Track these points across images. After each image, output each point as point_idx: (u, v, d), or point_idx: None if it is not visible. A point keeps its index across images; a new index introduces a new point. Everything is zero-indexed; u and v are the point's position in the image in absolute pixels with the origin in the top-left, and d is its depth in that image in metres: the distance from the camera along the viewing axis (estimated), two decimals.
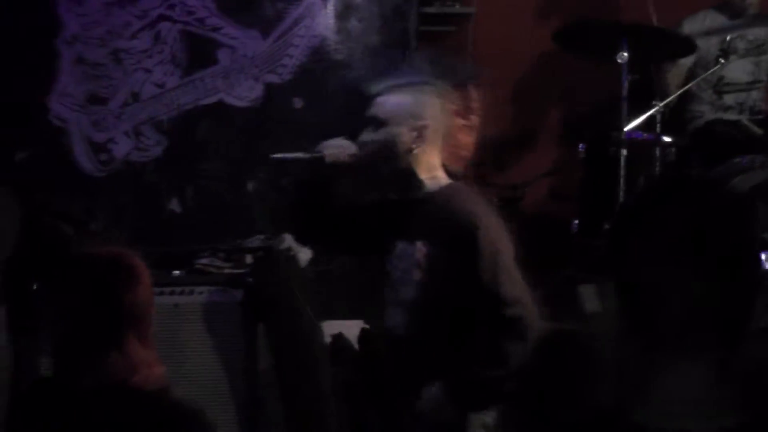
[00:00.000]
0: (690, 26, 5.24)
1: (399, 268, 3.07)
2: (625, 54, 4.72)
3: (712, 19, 5.27)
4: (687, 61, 5.16)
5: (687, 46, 4.90)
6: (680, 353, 1.42)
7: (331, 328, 4.02)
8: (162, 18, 4.95)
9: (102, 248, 2.50)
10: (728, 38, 5.22)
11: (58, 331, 2.31)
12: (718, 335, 1.43)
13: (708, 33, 5.25)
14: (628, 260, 1.49)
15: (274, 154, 3.86)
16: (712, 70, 5.01)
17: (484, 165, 4.77)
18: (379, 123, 3.19)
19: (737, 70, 5.26)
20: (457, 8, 5.59)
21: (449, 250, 2.96)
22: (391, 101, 3.20)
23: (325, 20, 5.07)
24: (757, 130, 5.00)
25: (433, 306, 2.96)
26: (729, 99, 5.29)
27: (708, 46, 5.17)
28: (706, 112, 5.21)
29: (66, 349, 2.26)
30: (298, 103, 5.08)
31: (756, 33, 5.29)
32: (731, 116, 5.20)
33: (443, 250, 2.98)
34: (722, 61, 5.00)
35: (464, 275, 2.85)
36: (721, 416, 1.40)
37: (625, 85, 4.84)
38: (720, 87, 5.25)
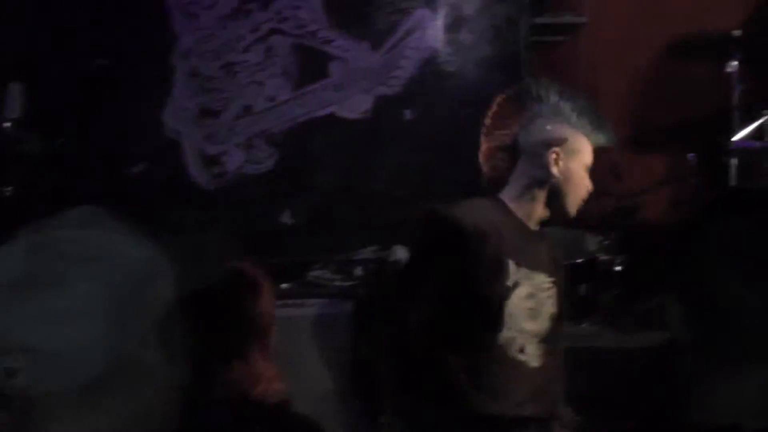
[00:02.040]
0: None
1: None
2: (736, 63, 4.69)
3: None
4: None
5: None
6: (743, 362, 1.49)
7: None
8: (274, 31, 5.09)
9: (229, 261, 2.54)
10: None
11: (189, 344, 2.39)
12: None
13: None
14: (697, 276, 1.54)
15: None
16: None
17: (599, 173, 4.78)
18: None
19: None
20: (569, 18, 5.56)
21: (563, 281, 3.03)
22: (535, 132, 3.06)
23: (435, 32, 5.13)
24: None
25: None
26: None
27: None
28: None
29: (197, 361, 2.29)
30: (409, 115, 5.17)
31: None
32: None
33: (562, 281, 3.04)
34: None
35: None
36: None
37: (736, 94, 4.80)
38: None
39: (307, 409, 3.71)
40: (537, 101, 2.76)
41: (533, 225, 2.81)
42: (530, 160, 2.71)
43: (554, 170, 2.69)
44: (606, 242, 4.54)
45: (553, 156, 2.68)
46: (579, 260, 4.41)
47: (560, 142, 2.71)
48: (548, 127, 2.72)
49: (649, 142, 5.55)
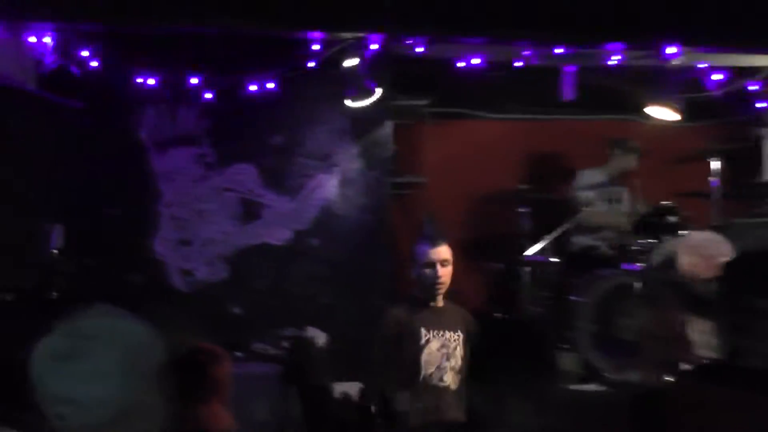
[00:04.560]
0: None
1: None
2: (523, 208, 5.87)
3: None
4: None
5: None
6: None
7: (340, 387, 4.89)
8: (227, 189, 6.13)
9: (200, 343, 2.92)
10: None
11: (172, 393, 2.22)
12: None
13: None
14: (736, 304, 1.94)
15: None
16: None
17: None
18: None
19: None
20: (416, 178, 6.66)
21: None
22: None
23: (331, 188, 6.20)
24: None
25: None
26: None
27: None
28: None
29: (177, 405, 2.18)
30: (315, 242, 6.15)
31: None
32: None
33: None
34: None
35: None
36: None
37: (525, 225, 5.94)
38: None
39: None
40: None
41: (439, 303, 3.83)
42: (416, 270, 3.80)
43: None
44: None
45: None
46: None
47: (421, 256, 3.86)
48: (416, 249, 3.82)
49: (469, 253, 6.31)
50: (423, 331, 3.79)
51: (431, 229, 3.87)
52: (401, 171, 6.45)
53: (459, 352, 3.83)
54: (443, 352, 3.79)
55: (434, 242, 3.85)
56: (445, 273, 3.83)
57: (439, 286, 3.83)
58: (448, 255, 3.89)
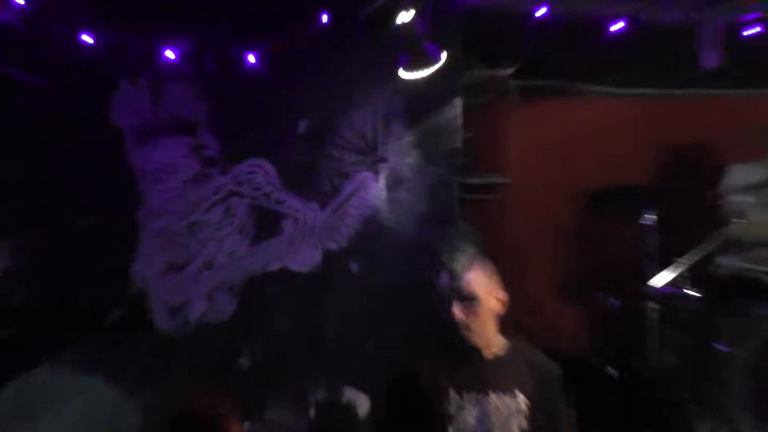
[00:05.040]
0: None
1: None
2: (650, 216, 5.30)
3: None
4: None
5: None
6: None
7: None
8: (232, 193, 5.27)
9: (209, 403, 2.94)
10: None
11: None
12: None
13: None
14: None
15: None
16: None
17: None
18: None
19: None
20: (495, 178, 5.89)
21: None
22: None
23: (376, 193, 5.41)
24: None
25: None
26: None
27: None
28: None
29: None
30: (354, 267, 5.39)
31: None
32: None
33: None
34: None
35: None
36: None
37: (651, 244, 5.29)
38: None
39: None
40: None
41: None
42: None
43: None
44: None
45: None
46: None
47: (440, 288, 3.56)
48: None
49: (570, 283, 5.85)
50: (453, 393, 3.36)
51: (457, 248, 3.80)
52: (475, 168, 5.88)
53: (516, 425, 3.33)
54: (484, 428, 3.32)
55: (456, 267, 3.53)
56: (470, 313, 3.43)
57: (467, 332, 3.42)
58: (480, 288, 3.48)
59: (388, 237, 5.48)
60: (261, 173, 5.35)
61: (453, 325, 3.50)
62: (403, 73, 5.15)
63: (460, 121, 5.57)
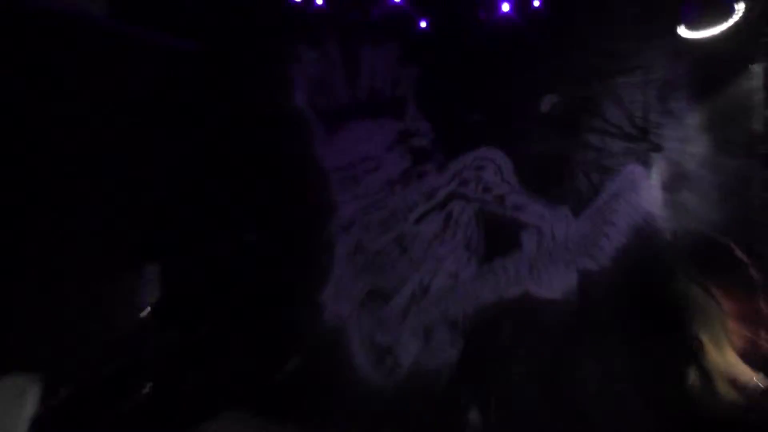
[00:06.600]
0: None
1: None
2: None
3: None
4: None
5: None
6: None
7: None
8: (453, 196, 4.64)
9: None
10: None
11: None
12: None
13: None
14: None
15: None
16: None
17: None
18: None
19: None
20: None
21: None
22: None
23: (649, 193, 4.59)
24: None
25: None
26: None
27: None
28: None
29: None
30: (620, 294, 4.38)
31: None
32: None
33: None
34: None
35: None
36: None
37: None
38: None
39: None
40: None
41: None
42: None
43: None
44: None
45: None
46: None
47: None
48: None
49: None
50: None
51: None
52: None
53: None
54: None
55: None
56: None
57: None
58: None
59: (666, 253, 4.43)
60: (492, 169, 4.83)
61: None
62: (685, 31, 4.56)
63: (763, 96, 4.71)
